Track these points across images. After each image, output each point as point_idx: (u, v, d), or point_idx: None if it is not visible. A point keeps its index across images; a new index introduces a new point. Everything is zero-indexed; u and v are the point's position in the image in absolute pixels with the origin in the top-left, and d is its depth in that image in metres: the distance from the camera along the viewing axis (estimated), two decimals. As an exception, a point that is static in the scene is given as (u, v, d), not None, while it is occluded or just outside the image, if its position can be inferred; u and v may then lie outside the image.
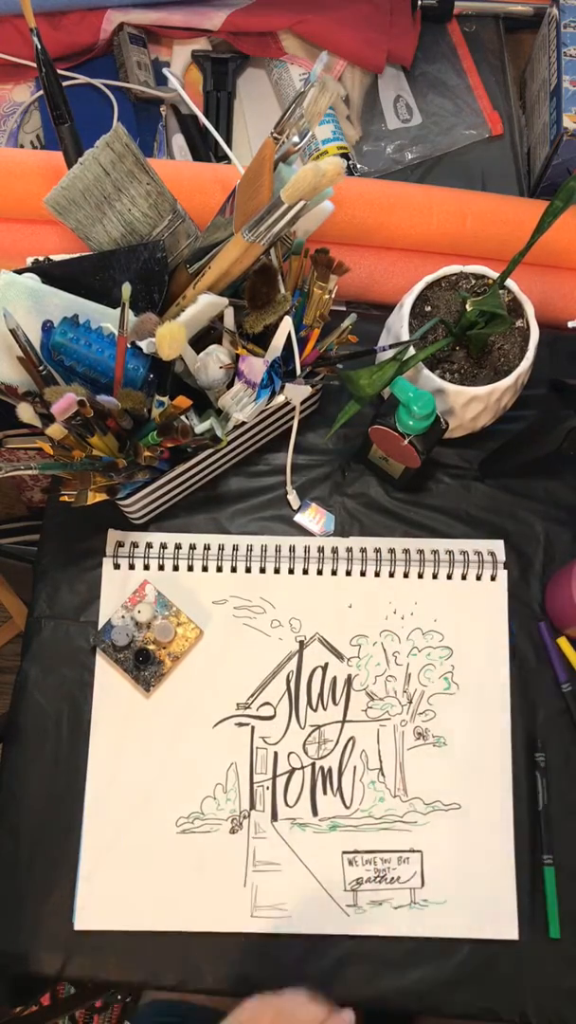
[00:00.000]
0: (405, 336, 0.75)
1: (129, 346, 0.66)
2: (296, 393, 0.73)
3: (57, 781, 0.76)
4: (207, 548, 0.82)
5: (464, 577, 0.82)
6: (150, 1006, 0.84)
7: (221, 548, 0.82)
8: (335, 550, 0.82)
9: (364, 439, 0.80)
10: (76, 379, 0.67)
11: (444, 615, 0.81)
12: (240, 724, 0.78)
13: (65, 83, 0.89)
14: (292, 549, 0.82)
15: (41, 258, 0.70)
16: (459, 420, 0.78)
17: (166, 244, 0.73)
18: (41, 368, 0.64)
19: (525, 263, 0.69)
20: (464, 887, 0.74)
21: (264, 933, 0.73)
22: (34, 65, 0.72)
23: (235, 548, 0.82)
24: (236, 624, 0.80)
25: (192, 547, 0.82)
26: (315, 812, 0.76)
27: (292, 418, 0.80)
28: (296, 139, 0.65)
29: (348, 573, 0.82)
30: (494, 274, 0.76)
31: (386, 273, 0.88)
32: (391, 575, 0.81)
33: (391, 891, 0.74)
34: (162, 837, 0.75)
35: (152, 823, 0.75)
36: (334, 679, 0.79)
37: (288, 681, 0.79)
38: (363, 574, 0.82)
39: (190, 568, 0.81)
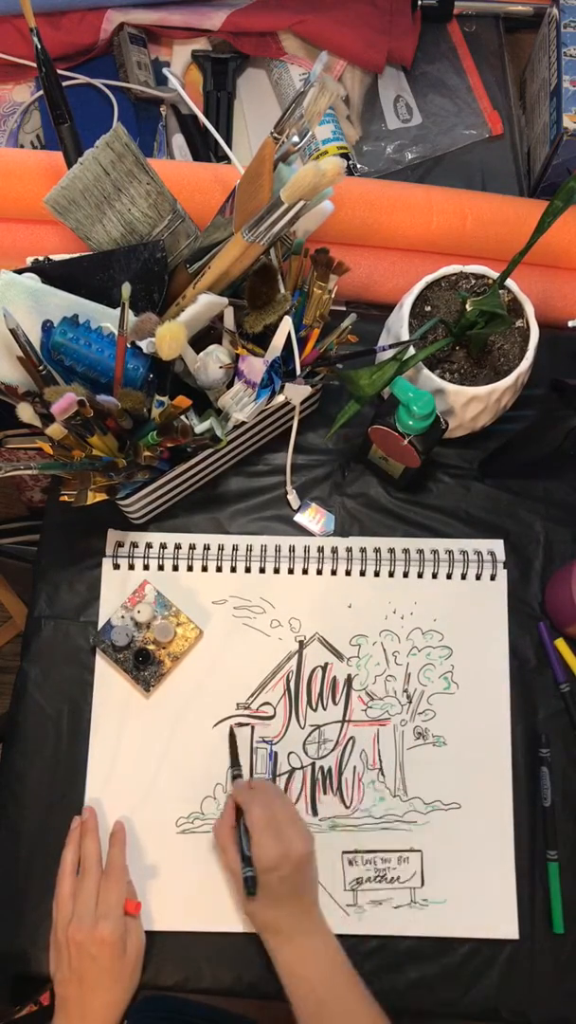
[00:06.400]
0: (405, 336, 0.75)
1: (129, 346, 0.66)
2: (296, 393, 0.73)
3: (57, 781, 0.76)
4: (207, 548, 0.82)
5: (464, 577, 0.82)
6: (147, 1001, 0.84)
7: (221, 548, 0.82)
8: (335, 550, 0.82)
9: (364, 439, 0.80)
10: (76, 379, 0.67)
11: (444, 615, 0.81)
12: (240, 724, 0.78)
13: (65, 83, 0.89)
14: (292, 549, 0.82)
15: (41, 258, 0.70)
16: (459, 420, 0.78)
17: (166, 244, 0.73)
18: (41, 368, 0.64)
19: (525, 263, 0.69)
20: (464, 886, 0.74)
21: (264, 933, 0.73)
22: (34, 65, 0.72)
23: (235, 548, 0.82)
24: (236, 624, 0.80)
25: (192, 547, 0.82)
26: (315, 812, 0.76)
27: (292, 418, 0.80)
28: (296, 139, 0.65)
29: (348, 573, 0.82)
30: (494, 274, 0.76)
31: (386, 273, 0.88)
32: (391, 575, 0.81)
33: (391, 891, 0.74)
34: (162, 837, 0.75)
35: (152, 823, 0.75)
36: (334, 679, 0.79)
37: (288, 681, 0.79)
38: (363, 574, 0.82)
39: (190, 568, 0.81)
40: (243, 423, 0.74)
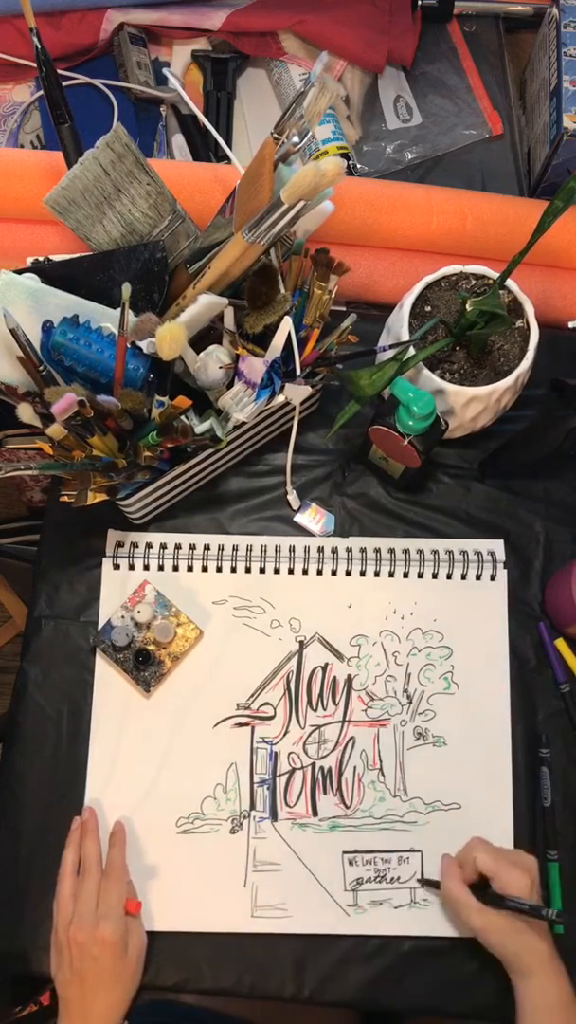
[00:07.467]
0: (405, 336, 0.75)
1: (129, 346, 0.66)
2: (296, 393, 0.73)
3: (57, 781, 0.76)
4: (207, 548, 0.82)
5: (464, 577, 0.82)
6: (148, 1004, 0.84)
7: (221, 548, 0.82)
8: (335, 550, 0.82)
9: (364, 439, 0.80)
10: (76, 379, 0.67)
11: (444, 615, 0.81)
12: (240, 724, 0.78)
13: (65, 83, 0.89)
14: (292, 549, 0.82)
15: (41, 258, 0.71)
16: (459, 420, 0.78)
17: (166, 244, 0.73)
18: (41, 368, 0.64)
19: (525, 263, 0.69)
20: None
21: (264, 933, 0.73)
22: (34, 65, 0.72)
23: (235, 548, 0.82)
24: (236, 624, 0.80)
25: (192, 547, 0.82)
26: (315, 812, 0.76)
27: (292, 418, 0.80)
28: (296, 139, 0.65)
29: (348, 573, 0.82)
30: (494, 274, 0.76)
31: (386, 273, 0.88)
32: (391, 575, 0.81)
33: (391, 891, 0.74)
34: (162, 837, 0.75)
35: (152, 823, 0.75)
36: (334, 679, 0.79)
37: (288, 681, 0.79)
38: (363, 574, 0.82)
39: (190, 568, 0.81)
40: (243, 423, 0.74)
